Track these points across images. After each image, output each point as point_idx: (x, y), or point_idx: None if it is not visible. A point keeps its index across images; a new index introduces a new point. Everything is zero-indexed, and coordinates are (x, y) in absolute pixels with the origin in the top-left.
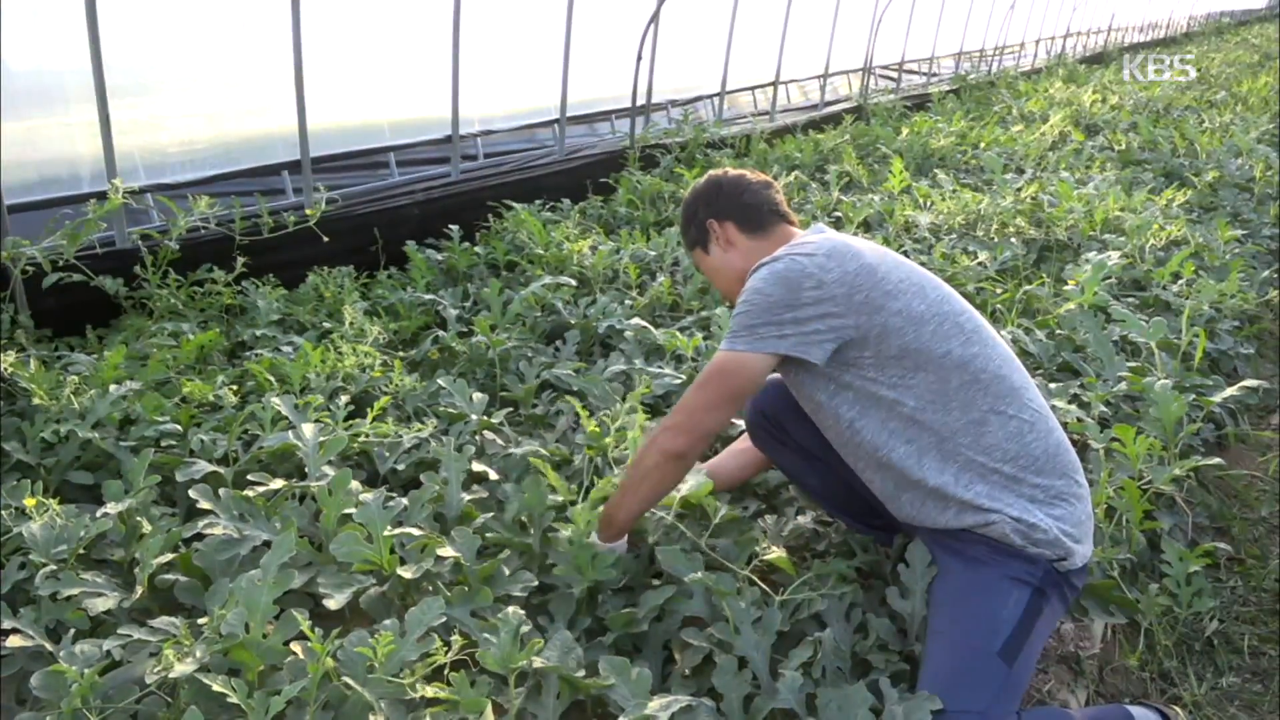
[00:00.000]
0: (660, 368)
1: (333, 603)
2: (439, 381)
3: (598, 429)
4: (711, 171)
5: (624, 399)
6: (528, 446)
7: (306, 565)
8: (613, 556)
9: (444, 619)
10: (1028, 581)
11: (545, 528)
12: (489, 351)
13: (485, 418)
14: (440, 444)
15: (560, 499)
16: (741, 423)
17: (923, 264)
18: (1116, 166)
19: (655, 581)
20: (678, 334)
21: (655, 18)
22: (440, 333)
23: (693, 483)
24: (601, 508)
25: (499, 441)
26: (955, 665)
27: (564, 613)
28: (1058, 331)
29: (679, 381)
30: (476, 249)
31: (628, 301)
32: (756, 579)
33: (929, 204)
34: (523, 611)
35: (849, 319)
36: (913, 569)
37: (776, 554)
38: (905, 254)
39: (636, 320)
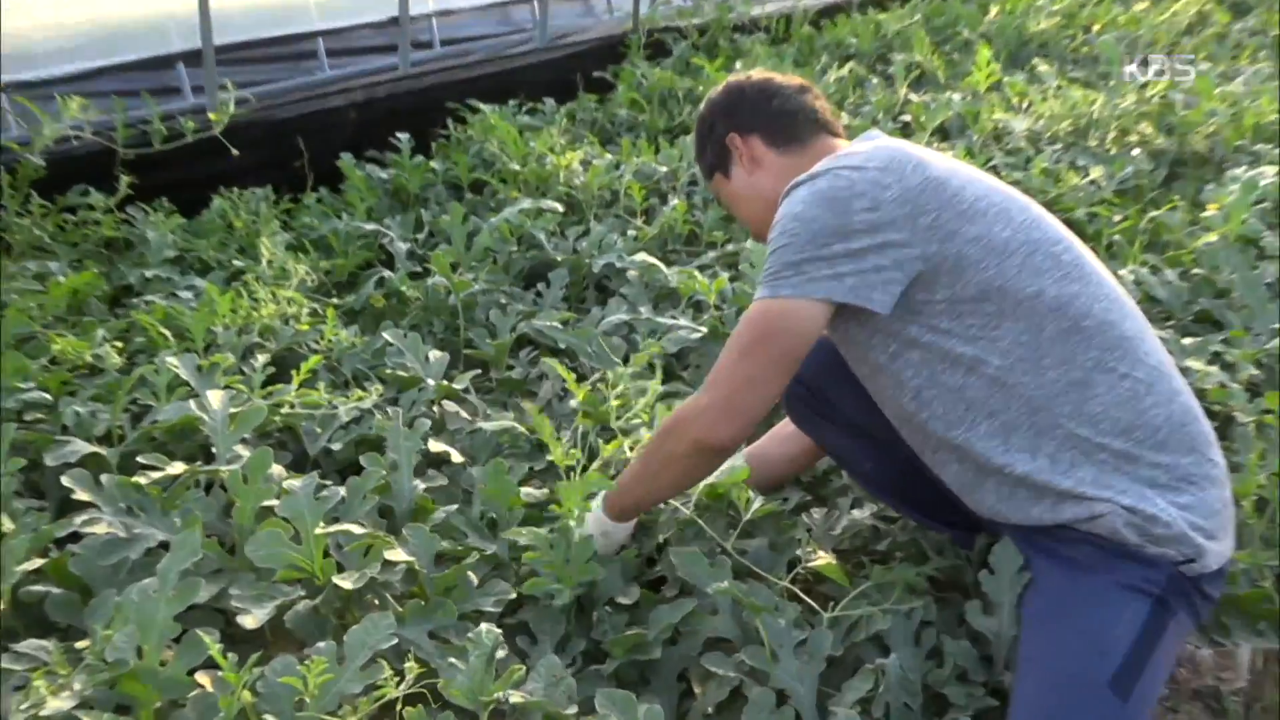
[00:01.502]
0: (674, 317)
1: (250, 620)
2: (384, 336)
3: (590, 395)
4: (731, 76)
5: (626, 360)
6: (501, 421)
7: (216, 573)
8: (591, 544)
9: (394, 640)
10: (1147, 590)
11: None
12: (449, 297)
13: (445, 383)
14: (387, 417)
15: (538, 495)
16: None
17: (1016, 184)
18: (1273, 57)
19: (669, 592)
20: (696, 274)
21: None
22: (386, 273)
23: (724, 466)
24: (597, 494)
25: (463, 414)
26: (1055, 701)
27: (550, 632)
28: (1194, 271)
29: (698, 336)
30: (432, 164)
31: (631, 232)
32: (799, 591)
33: (1025, 105)
34: (497, 630)
35: (915, 248)
36: (999, 577)
37: (825, 559)
38: (994, 171)
39: (642, 256)
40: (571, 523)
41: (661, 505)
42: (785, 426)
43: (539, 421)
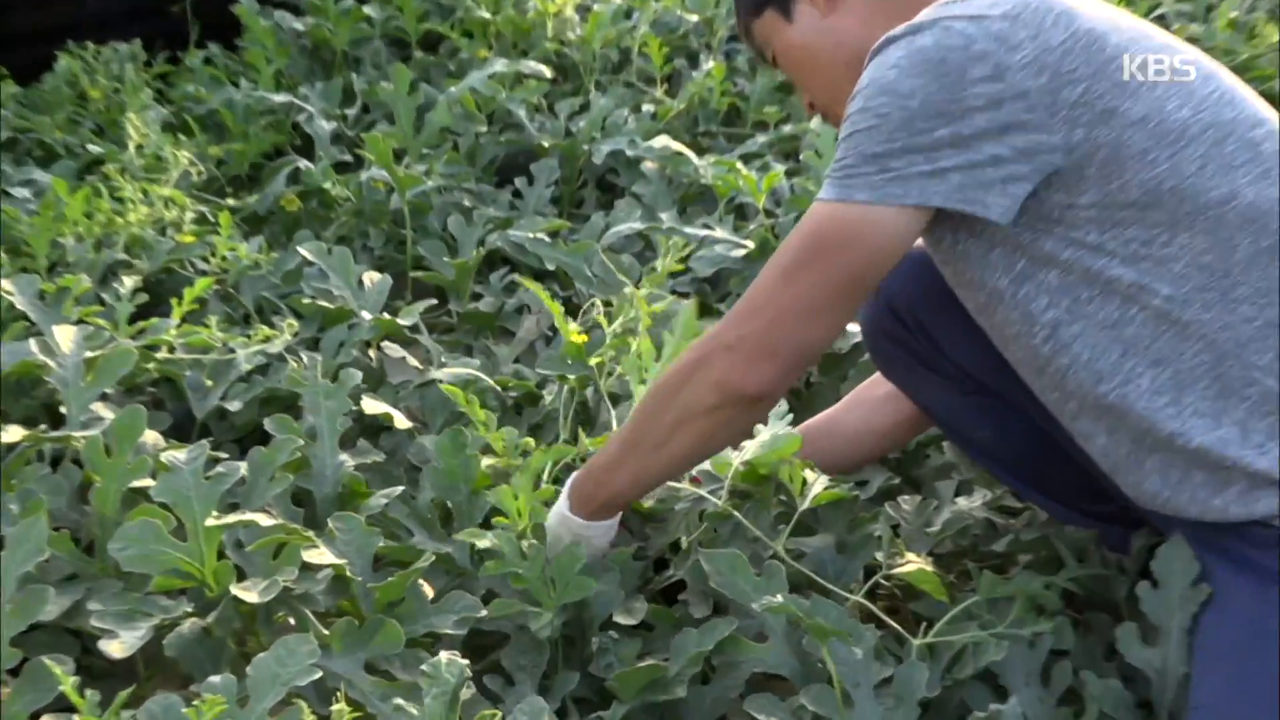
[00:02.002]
0: (707, 227)
1: (116, 646)
2: (301, 251)
3: (581, 337)
4: None
5: (640, 283)
6: (461, 368)
7: (68, 580)
8: (581, 552)
9: (317, 674)
10: None
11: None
12: (391, 198)
13: (386, 317)
14: (304, 365)
15: (503, 463)
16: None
17: (1193, 43)
18: None
19: (695, 608)
20: (739, 166)
21: None
22: (302, 164)
23: (765, 437)
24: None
25: (410, 361)
26: None
27: (529, 666)
28: None
29: (741, 253)
30: (367, 10)
31: (647, 108)
32: (880, 610)
33: None
34: (463, 660)
35: (1053, 134)
36: (1165, 591)
37: (917, 564)
38: (1162, 23)
39: (663, 141)
40: (520, 526)
41: (673, 489)
42: (872, 388)
43: (457, 395)
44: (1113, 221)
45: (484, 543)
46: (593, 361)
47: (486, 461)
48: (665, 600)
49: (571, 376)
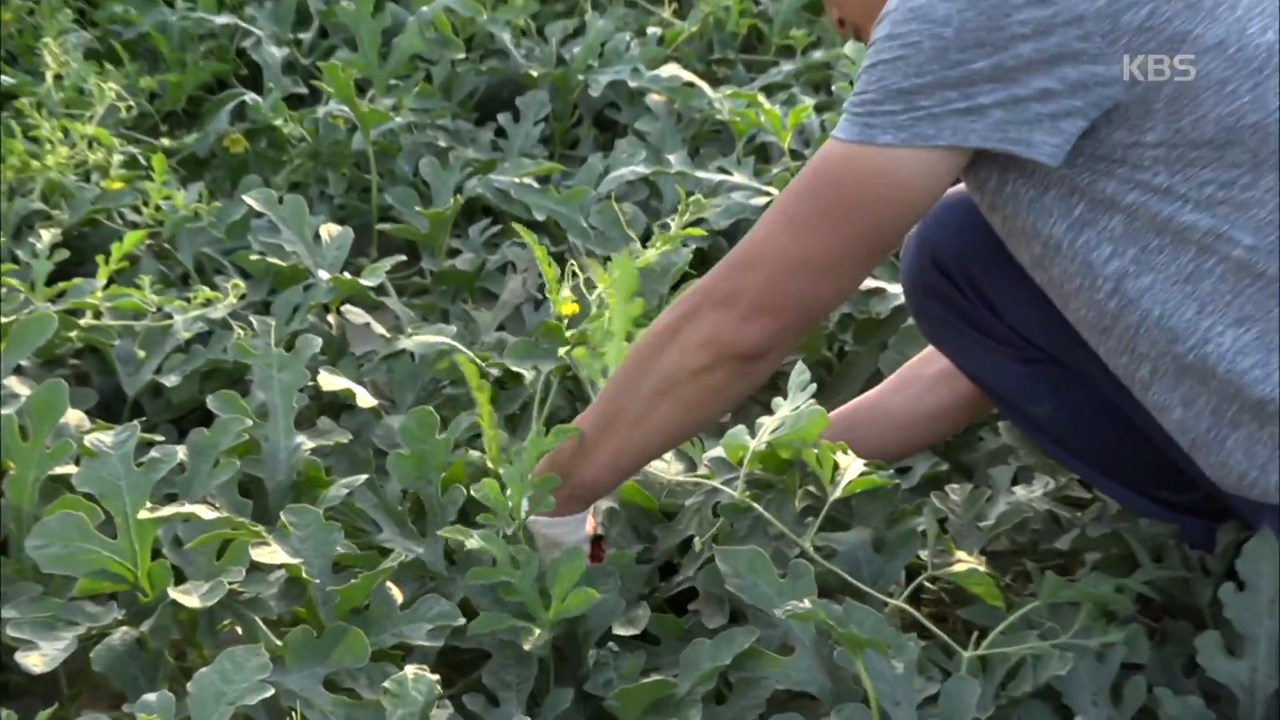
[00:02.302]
0: (722, 170)
1: (35, 659)
2: (247, 200)
3: (571, 307)
4: None
5: (647, 240)
6: (433, 336)
7: None
8: (581, 559)
9: (269, 691)
10: None
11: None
12: (353, 137)
13: (347, 277)
14: (252, 332)
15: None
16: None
17: None
18: None
19: (708, 618)
20: (760, 99)
21: None
22: (249, 97)
23: (786, 412)
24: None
25: (376, 328)
26: None
27: (517, 682)
28: None
29: (763, 201)
30: None
31: (653, 30)
32: (925, 618)
33: None
34: (432, 677)
35: (1113, 65)
36: (1253, 594)
37: (968, 564)
38: None
39: (672, 70)
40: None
41: (683, 481)
42: (922, 364)
43: (465, 366)
44: (1184, 162)
45: (471, 543)
46: (568, 347)
47: (476, 457)
48: (675, 610)
49: (546, 368)
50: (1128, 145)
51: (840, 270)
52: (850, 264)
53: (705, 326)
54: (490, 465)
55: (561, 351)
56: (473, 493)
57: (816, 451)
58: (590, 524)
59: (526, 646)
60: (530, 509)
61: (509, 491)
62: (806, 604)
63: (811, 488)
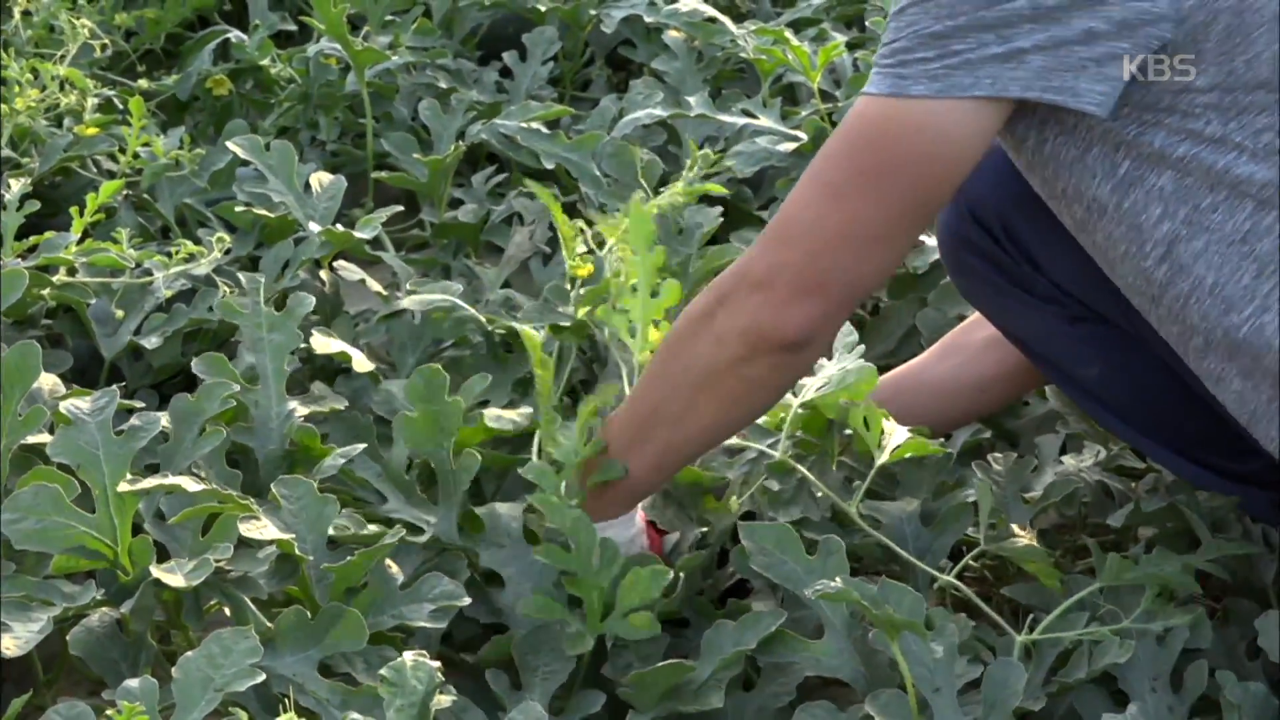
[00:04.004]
0: (746, 113)
1: (8, 643)
2: (232, 146)
3: (585, 269)
4: None
5: (659, 187)
6: (435, 293)
7: None
8: (661, 579)
9: (260, 677)
10: None
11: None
12: (347, 78)
13: (341, 230)
14: (239, 290)
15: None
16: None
17: None
18: None
19: (735, 599)
20: (788, 36)
21: None
22: (233, 34)
23: (833, 371)
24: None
25: (373, 286)
26: None
27: (545, 669)
28: None
29: (791, 147)
30: None
31: None
32: (973, 595)
33: None
34: (434, 663)
35: (1159, 2)
36: None
37: (1018, 539)
38: None
39: (691, 3)
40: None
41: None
42: (968, 331)
43: (528, 339)
44: (1239, 108)
45: (555, 519)
46: (581, 309)
47: (494, 415)
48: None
49: (565, 324)
50: (1177, 91)
51: (884, 240)
52: (895, 232)
53: (743, 315)
54: (545, 444)
55: (581, 313)
56: (520, 472)
57: (864, 413)
58: (640, 515)
59: (570, 649)
60: (577, 497)
61: (562, 472)
62: (838, 583)
63: (846, 458)
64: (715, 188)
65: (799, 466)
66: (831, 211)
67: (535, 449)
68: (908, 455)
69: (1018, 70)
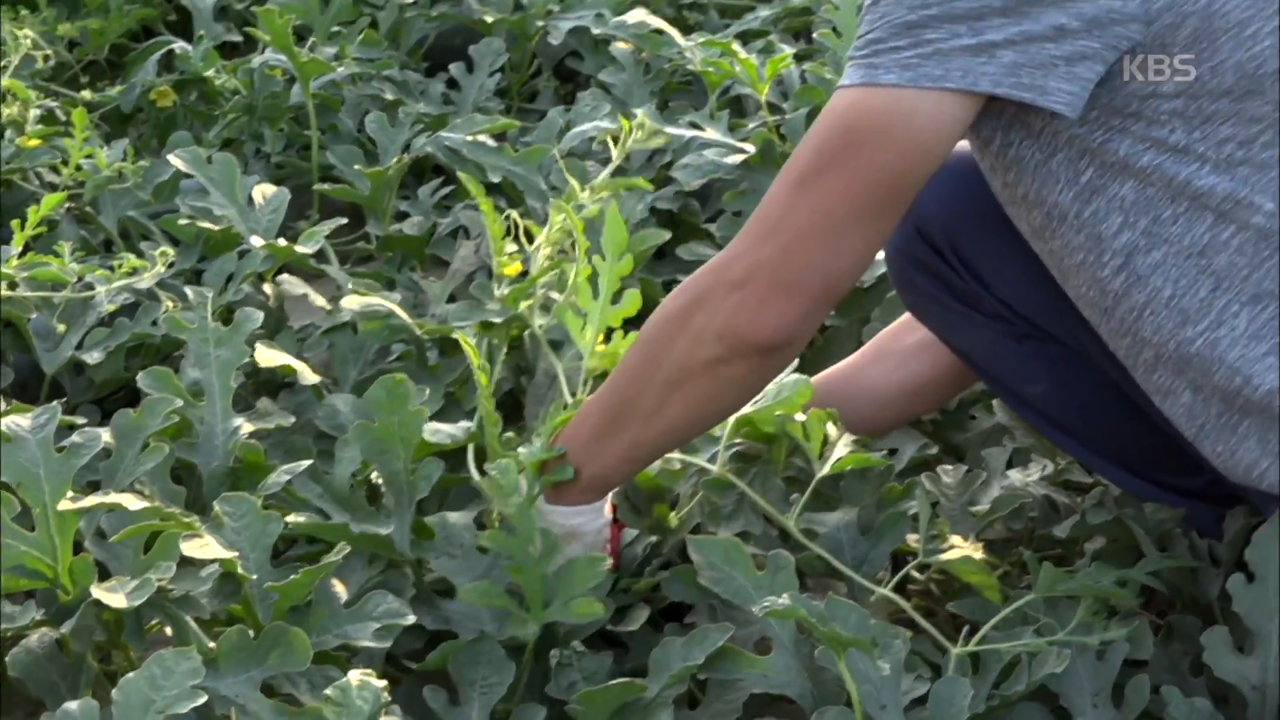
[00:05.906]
0: (694, 125)
1: None
2: (175, 160)
3: (514, 268)
4: None
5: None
6: (375, 301)
7: None
8: (601, 567)
9: (202, 698)
10: None
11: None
12: (292, 90)
13: (284, 244)
14: (183, 304)
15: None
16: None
17: None
18: None
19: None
20: (735, 48)
21: None
22: (177, 45)
23: (770, 388)
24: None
25: (316, 300)
26: None
27: (484, 681)
28: None
29: (738, 159)
30: None
31: None
32: (913, 610)
33: None
34: (379, 682)
35: (1130, 1)
36: (1261, 587)
37: (960, 551)
38: None
39: (639, 15)
40: (507, 508)
41: (669, 460)
42: (899, 334)
43: (463, 344)
44: (1203, 116)
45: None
46: (520, 304)
47: (433, 428)
48: (673, 618)
49: (495, 320)
50: (1145, 96)
51: (859, 230)
52: (868, 221)
53: (718, 316)
54: (490, 445)
55: (523, 306)
56: (486, 469)
57: (803, 423)
58: (608, 507)
59: (514, 632)
60: (534, 493)
61: (523, 473)
62: (785, 599)
63: (798, 459)
64: (642, 183)
65: (738, 481)
66: (801, 201)
67: (471, 463)
68: (846, 466)
69: (988, 65)
